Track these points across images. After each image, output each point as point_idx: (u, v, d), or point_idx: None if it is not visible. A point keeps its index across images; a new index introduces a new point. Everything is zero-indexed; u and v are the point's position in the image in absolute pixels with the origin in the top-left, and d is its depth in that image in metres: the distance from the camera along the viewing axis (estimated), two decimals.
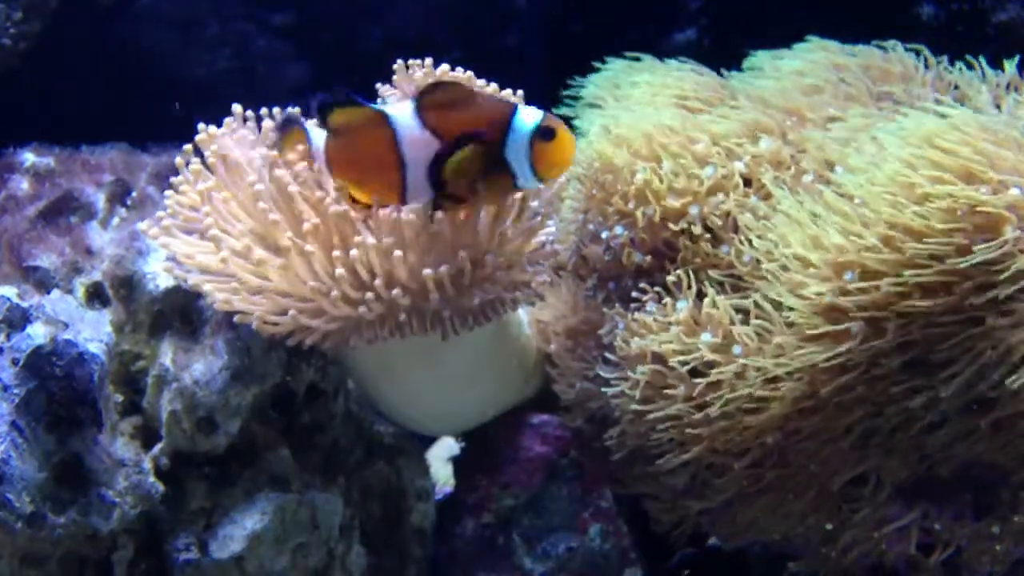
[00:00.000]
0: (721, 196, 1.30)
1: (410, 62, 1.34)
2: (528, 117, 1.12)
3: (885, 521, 1.21)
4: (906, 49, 1.44)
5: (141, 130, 1.50)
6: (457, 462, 1.51)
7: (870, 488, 1.21)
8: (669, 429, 1.22)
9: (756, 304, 1.21)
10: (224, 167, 1.23)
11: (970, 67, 1.37)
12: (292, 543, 1.28)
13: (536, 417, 1.45)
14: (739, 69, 1.54)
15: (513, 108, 1.13)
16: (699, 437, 1.21)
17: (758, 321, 1.20)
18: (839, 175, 1.21)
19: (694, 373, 1.22)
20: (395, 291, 1.14)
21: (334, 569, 1.33)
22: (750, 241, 1.24)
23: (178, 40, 2.08)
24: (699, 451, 1.20)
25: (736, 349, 1.20)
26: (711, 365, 1.20)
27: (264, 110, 1.33)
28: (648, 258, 1.32)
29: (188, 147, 1.27)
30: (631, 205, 1.32)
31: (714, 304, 1.23)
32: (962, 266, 1.08)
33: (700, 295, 1.26)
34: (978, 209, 1.08)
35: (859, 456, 1.19)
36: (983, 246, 1.07)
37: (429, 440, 1.63)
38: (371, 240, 1.14)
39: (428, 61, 1.35)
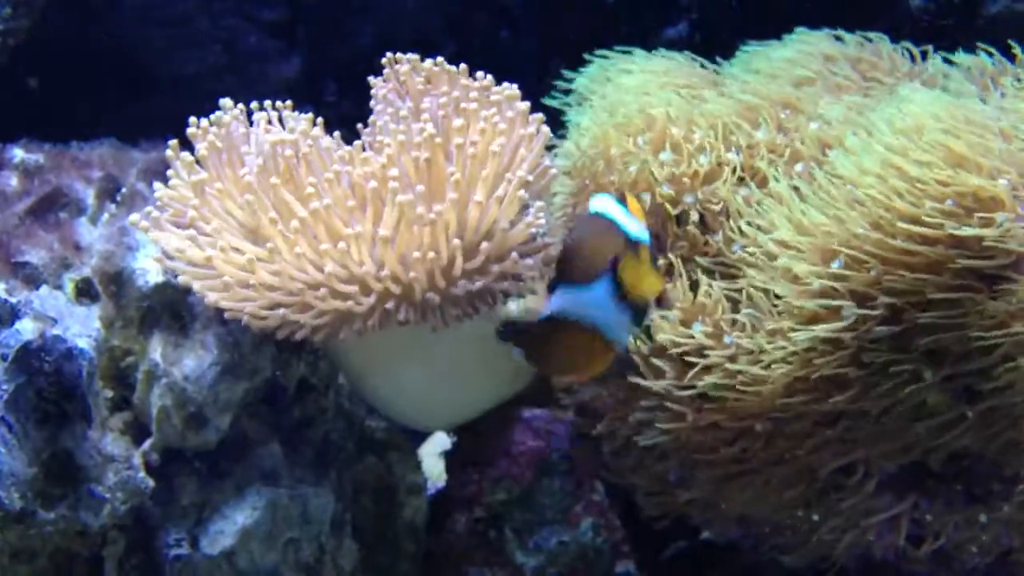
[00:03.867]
0: (716, 184, 1.30)
1: (398, 56, 1.35)
2: None
3: (874, 511, 1.21)
4: (893, 43, 1.44)
5: (131, 127, 1.50)
6: (449, 457, 1.50)
7: (858, 478, 1.21)
8: (657, 414, 1.22)
9: (747, 293, 1.21)
10: (218, 158, 1.24)
11: (954, 63, 1.38)
12: (283, 538, 1.28)
13: (527, 411, 1.45)
14: (732, 62, 1.54)
15: None
16: (686, 420, 1.21)
17: (749, 310, 1.20)
18: (832, 157, 1.21)
19: (684, 360, 1.23)
20: (385, 282, 1.14)
21: (325, 564, 1.33)
22: (740, 229, 1.24)
23: (168, 36, 2.07)
24: (686, 435, 1.20)
25: (727, 339, 1.20)
26: (703, 353, 1.21)
27: (255, 104, 1.34)
28: None
29: (174, 142, 1.27)
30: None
31: (707, 293, 1.23)
32: (954, 232, 1.08)
33: (693, 285, 1.27)
34: (970, 194, 1.09)
35: (848, 445, 1.19)
36: (983, 230, 1.07)
37: (422, 436, 1.63)
38: (360, 231, 1.14)
39: (414, 56, 1.36)
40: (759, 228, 1.20)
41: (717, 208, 1.29)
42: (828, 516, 1.23)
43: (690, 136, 1.31)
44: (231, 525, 1.25)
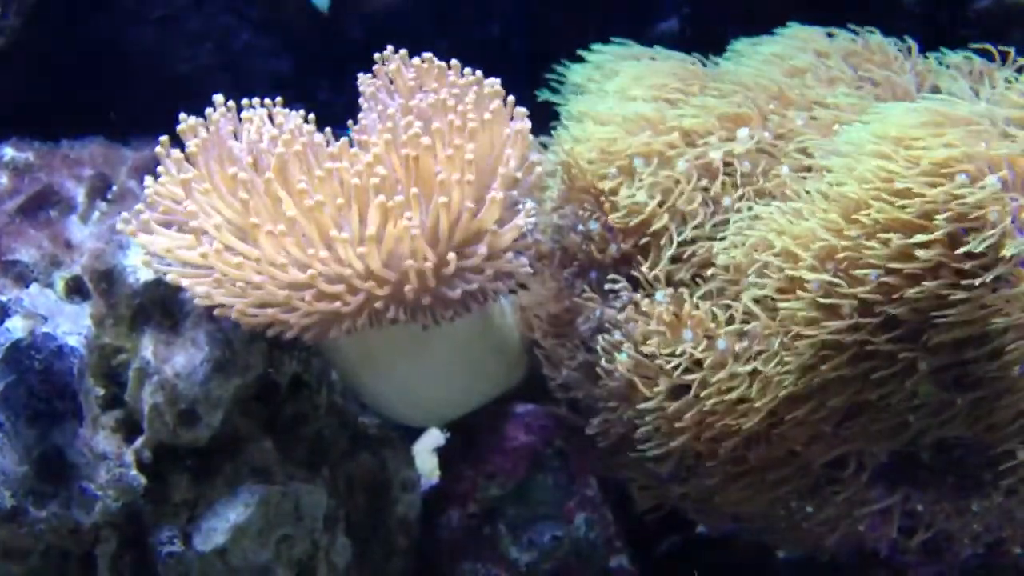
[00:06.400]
0: (694, 194, 1.29)
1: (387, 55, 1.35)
2: None
3: (866, 503, 1.21)
4: (885, 37, 1.44)
5: (123, 125, 1.50)
6: (442, 453, 1.50)
7: (851, 471, 1.21)
8: (654, 420, 1.22)
9: (744, 304, 1.20)
10: (208, 155, 1.24)
11: (950, 53, 1.38)
12: (276, 535, 1.28)
13: (521, 407, 1.45)
14: (722, 57, 1.54)
15: None
16: (683, 429, 1.21)
17: (746, 324, 1.20)
18: (819, 161, 1.21)
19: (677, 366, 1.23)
20: (371, 282, 1.14)
21: (319, 561, 1.33)
22: (721, 238, 1.24)
23: (160, 35, 2.07)
24: (683, 441, 1.20)
25: (721, 344, 1.20)
26: (696, 362, 1.21)
27: (246, 100, 1.34)
28: (626, 247, 1.32)
29: (164, 138, 1.27)
30: (604, 198, 1.32)
31: (697, 306, 1.23)
32: (957, 252, 1.08)
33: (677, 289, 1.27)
34: (958, 198, 1.09)
35: (841, 438, 1.19)
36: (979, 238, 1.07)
37: (415, 432, 1.63)
38: (348, 232, 1.14)
39: (403, 52, 1.36)
40: (749, 244, 1.20)
41: (695, 220, 1.29)
42: (821, 508, 1.23)
43: (670, 139, 1.31)
44: (224, 522, 1.25)
